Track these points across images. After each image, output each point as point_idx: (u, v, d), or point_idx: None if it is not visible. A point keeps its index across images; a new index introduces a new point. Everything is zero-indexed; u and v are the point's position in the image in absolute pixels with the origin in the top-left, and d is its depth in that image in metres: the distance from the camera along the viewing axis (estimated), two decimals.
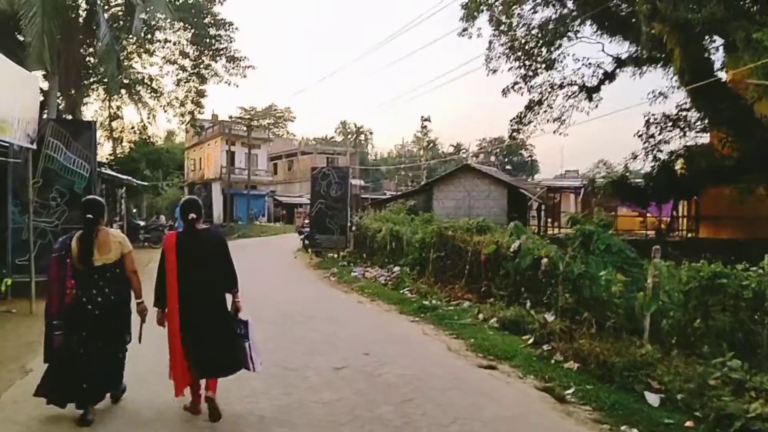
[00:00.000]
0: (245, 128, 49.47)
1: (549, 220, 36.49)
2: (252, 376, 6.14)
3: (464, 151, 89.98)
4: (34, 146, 10.17)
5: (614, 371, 6.67)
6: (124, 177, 24.16)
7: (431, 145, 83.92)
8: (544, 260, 10.71)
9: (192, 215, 5.18)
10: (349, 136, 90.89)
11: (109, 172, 22.30)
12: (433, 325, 9.96)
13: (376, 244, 19.99)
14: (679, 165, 24.49)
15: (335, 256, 22.09)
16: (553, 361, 7.50)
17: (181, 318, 5.04)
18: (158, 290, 5.18)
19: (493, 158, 66.98)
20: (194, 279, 5.08)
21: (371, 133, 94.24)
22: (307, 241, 25.58)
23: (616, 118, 45.04)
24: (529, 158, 77.98)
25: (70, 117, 21.50)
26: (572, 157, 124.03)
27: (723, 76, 20.48)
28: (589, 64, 27.47)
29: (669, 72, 24.80)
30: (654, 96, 26.25)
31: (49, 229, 11.52)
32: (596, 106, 28.82)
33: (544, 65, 27.65)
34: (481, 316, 10.40)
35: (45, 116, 16.44)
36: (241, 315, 5.33)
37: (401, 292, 13.51)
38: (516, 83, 28.60)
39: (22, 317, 9.79)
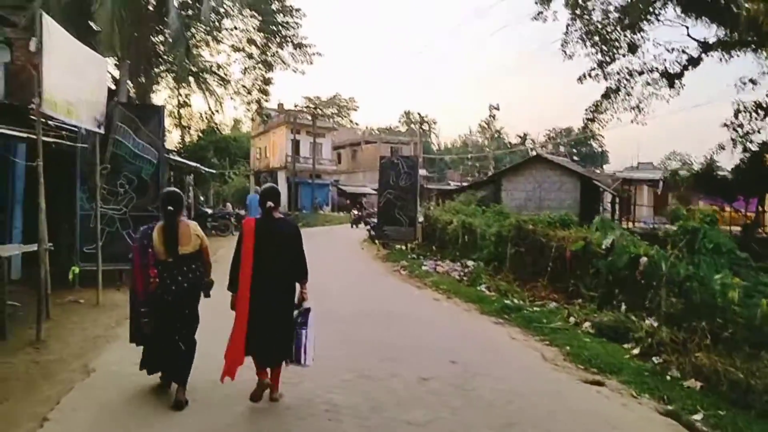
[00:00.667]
0: (310, 117, 49.28)
1: (623, 213, 34.78)
2: (329, 385, 5.71)
3: (531, 141, 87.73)
4: (102, 130, 9.79)
5: (752, 395, 5.65)
6: (193, 164, 23.98)
7: (497, 134, 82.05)
8: (644, 260, 9.64)
9: (270, 203, 5.26)
10: (413, 126, 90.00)
11: (177, 158, 22.14)
12: (519, 328, 9.05)
13: (447, 236, 19.15)
14: None
15: (403, 248, 21.36)
16: (668, 378, 6.51)
17: (251, 302, 5.07)
18: (233, 274, 5.25)
19: (562, 149, 64.66)
20: (268, 266, 5.12)
21: (435, 122, 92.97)
22: (373, 232, 25.00)
23: (691, 107, 42.48)
24: (600, 149, 75.20)
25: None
26: (644, 149, 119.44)
27: None
28: (672, 48, 25.74)
29: (762, 56, 23.02)
30: (743, 83, 24.52)
31: (117, 217, 11.21)
32: (677, 93, 27.04)
33: (622, 50, 26.21)
34: (572, 319, 9.44)
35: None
36: (305, 304, 5.38)
37: (478, 289, 12.65)
38: (593, 69, 27.29)
39: (89, 308, 9.45)
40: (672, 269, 8.88)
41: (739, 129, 23.99)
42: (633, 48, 25.66)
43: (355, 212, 39.65)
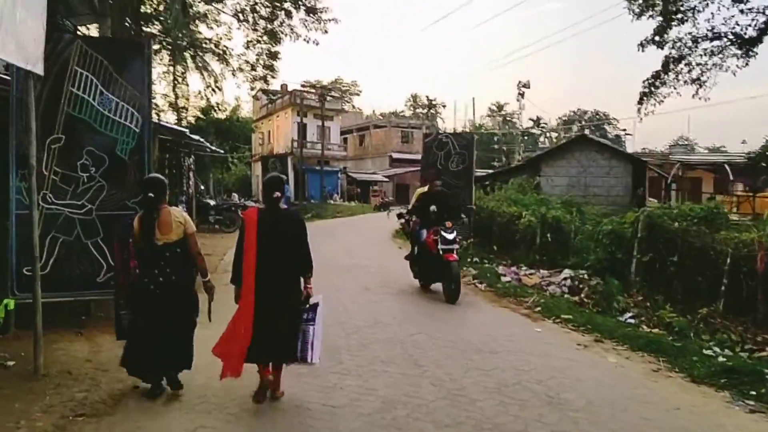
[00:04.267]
0: (317, 99, 44.90)
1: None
2: None
3: (544, 124, 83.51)
4: (40, 71, 5.57)
5: None
6: (195, 138, 19.17)
7: (509, 118, 77.73)
8: None
9: (276, 193, 5.05)
10: (421, 110, 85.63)
11: (173, 127, 17.43)
12: None
13: (516, 234, 14.99)
14: None
15: None
16: None
17: (255, 297, 4.87)
18: (236, 267, 5.05)
19: (587, 132, 60.42)
20: (272, 259, 4.93)
21: (444, 106, 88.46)
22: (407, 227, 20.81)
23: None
24: (623, 131, 70.94)
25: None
26: (652, 134, 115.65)
27: None
28: (748, 10, 21.53)
29: None
30: None
31: (78, 218, 7.05)
32: (746, 64, 22.90)
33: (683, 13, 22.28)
34: None
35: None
36: (312, 299, 5.15)
37: (619, 319, 8.59)
38: (657, 34, 23.26)
39: (21, 381, 5.33)
40: None
41: None
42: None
43: (381, 199, 39.10)
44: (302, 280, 5.16)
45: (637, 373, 6.26)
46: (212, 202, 23.80)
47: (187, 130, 18.59)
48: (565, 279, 11.61)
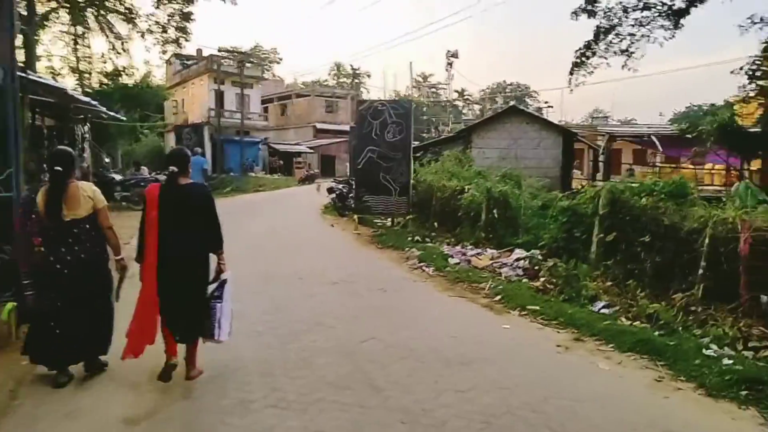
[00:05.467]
0: (235, 65, 42.23)
1: (607, 174, 30.71)
2: None
3: (469, 96, 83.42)
4: None
5: None
6: (86, 101, 16.51)
7: (434, 91, 76.96)
8: None
9: (174, 168, 4.85)
10: (345, 80, 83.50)
11: (55, 84, 14.85)
12: None
13: (461, 210, 13.89)
14: None
15: (388, 223, 16.05)
16: None
17: (159, 275, 4.72)
18: (140, 244, 4.87)
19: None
20: (176, 236, 4.74)
21: (369, 76, 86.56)
22: (340, 202, 19.41)
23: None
24: (545, 103, 71.43)
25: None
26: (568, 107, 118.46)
27: None
28: None
29: None
30: (754, 22, 20.53)
31: None
32: (672, 36, 22.81)
33: None
34: None
35: None
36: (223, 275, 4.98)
37: (591, 309, 7.60)
38: (588, 2, 22.81)
39: None
40: None
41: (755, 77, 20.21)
42: None
43: (305, 171, 38.31)
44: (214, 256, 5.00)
45: (640, 384, 5.19)
46: (118, 177, 21.47)
47: (78, 92, 16.23)
48: (518, 260, 10.60)
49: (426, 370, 5.30)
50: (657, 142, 27.26)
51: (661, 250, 8.54)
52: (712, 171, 31.83)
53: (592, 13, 23.08)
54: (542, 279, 9.22)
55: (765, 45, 20.12)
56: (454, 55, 43.95)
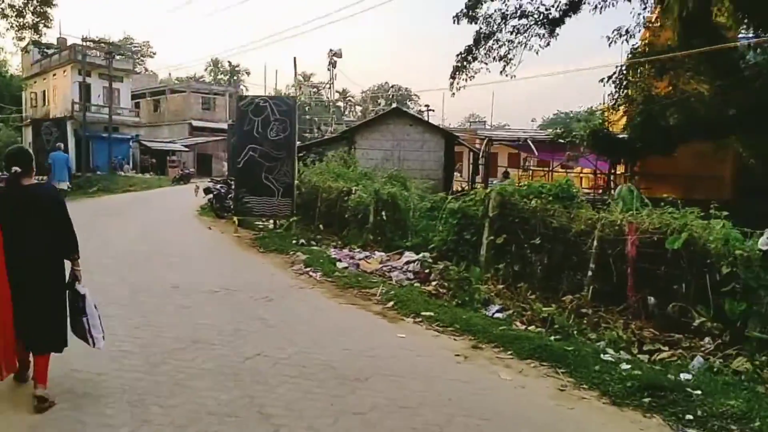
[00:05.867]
0: (103, 56, 39.28)
1: (486, 176, 31.59)
2: None
3: (351, 97, 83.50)
4: None
5: None
6: None
7: (316, 90, 76.20)
8: None
9: (16, 168, 4.44)
10: (223, 77, 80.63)
11: None
12: None
13: (347, 212, 13.47)
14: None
15: (270, 225, 15.32)
16: None
17: (9, 284, 4.29)
18: None
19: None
20: (21, 241, 4.35)
21: (248, 73, 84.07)
22: (218, 203, 18.35)
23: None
24: (426, 107, 72.68)
25: None
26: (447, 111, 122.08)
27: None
28: None
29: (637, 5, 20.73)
30: (621, 34, 22.02)
31: None
32: (547, 44, 23.92)
33: None
34: None
35: None
36: (79, 288, 4.68)
37: (485, 314, 7.41)
38: (469, 8, 23.34)
39: None
40: None
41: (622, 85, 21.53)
42: None
43: (180, 170, 36.08)
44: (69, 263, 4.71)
45: (544, 395, 4.96)
46: None
47: None
48: (408, 263, 10.32)
49: (320, 390, 4.77)
50: (533, 147, 28.34)
51: (551, 252, 8.57)
52: (581, 174, 33.69)
53: (473, 19, 23.57)
54: (434, 283, 8.97)
55: (630, 56, 21.41)
56: (337, 54, 43.55)
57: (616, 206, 8.90)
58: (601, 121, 22.91)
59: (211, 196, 18.73)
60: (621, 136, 22.49)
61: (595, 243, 7.77)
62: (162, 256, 11.17)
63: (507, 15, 23.29)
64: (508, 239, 9.16)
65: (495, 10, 23.40)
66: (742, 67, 17.08)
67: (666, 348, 6.00)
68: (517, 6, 22.91)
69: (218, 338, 6.04)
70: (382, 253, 11.40)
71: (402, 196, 12.51)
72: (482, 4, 23.19)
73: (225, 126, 50.86)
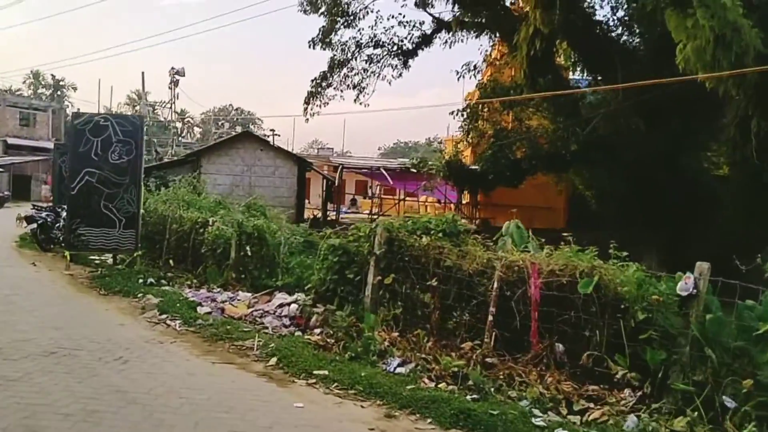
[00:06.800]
0: None
1: (335, 202, 31.07)
2: None
3: (191, 118, 79.62)
4: None
5: None
6: None
7: (152, 109, 71.55)
8: None
9: None
10: (45, 91, 73.10)
11: None
12: None
13: (203, 246, 12.02)
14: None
15: (109, 260, 13.37)
16: None
17: None
18: None
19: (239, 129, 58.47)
20: None
21: (75, 89, 76.98)
22: (42, 234, 15.82)
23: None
24: (272, 131, 70.84)
25: None
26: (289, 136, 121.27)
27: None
28: (407, 22, 22.71)
29: (484, 41, 21.58)
30: (470, 69, 23.01)
31: None
32: (400, 74, 24.36)
33: (347, 18, 22.74)
34: None
35: None
36: None
37: (387, 370, 6.55)
38: (324, 34, 23.11)
39: None
40: None
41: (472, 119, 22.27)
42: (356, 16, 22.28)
43: None
44: None
45: None
46: None
47: None
48: (281, 306, 9.22)
49: None
50: (386, 175, 28.32)
51: (444, 293, 7.93)
52: (426, 203, 34.41)
53: (327, 45, 23.23)
54: (317, 331, 7.98)
55: (482, 91, 22.05)
56: (180, 72, 40.91)
57: (504, 244, 8.54)
58: (455, 152, 23.42)
59: (34, 225, 16.11)
60: (473, 167, 23.05)
61: (495, 285, 7.25)
62: None
63: (361, 44, 23.29)
64: (396, 279, 8.42)
65: (350, 38, 23.32)
66: (580, 106, 18.20)
67: (592, 405, 5.52)
68: (371, 36, 22.99)
69: (64, 426, 4.58)
70: (248, 294, 10.18)
71: (270, 229, 11.34)
72: (336, 32, 23.02)
73: (48, 145, 45.85)
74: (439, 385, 6.07)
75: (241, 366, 6.57)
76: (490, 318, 7.24)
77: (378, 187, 39.72)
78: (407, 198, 34.07)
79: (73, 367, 6.08)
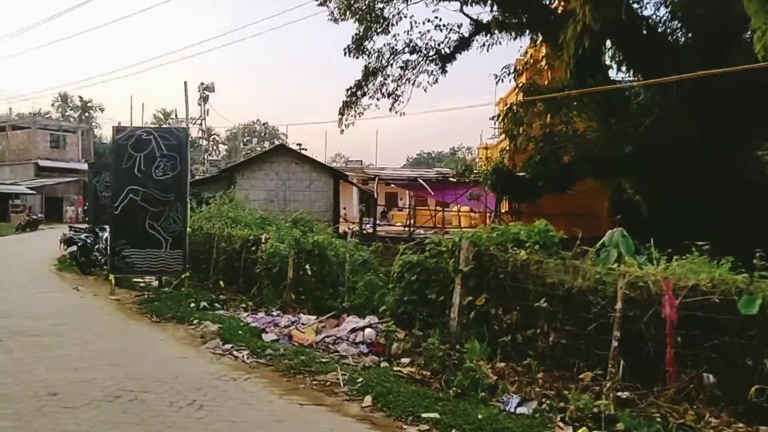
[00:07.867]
0: None
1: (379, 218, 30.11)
2: None
3: (216, 135, 79.34)
4: None
5: None
6: None
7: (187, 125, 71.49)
8: None
9: None
10: (73, 113, 73.52)
11: None
12: None
13: (257, 266, 11.14)
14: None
15: (154, 283, 12.60)
16: None
17: None
18: None
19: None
20: None
21: (102, 110, 77.37)
22: (83, 257, 15.09)
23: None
24: (299, 146, 70.31)
25: None
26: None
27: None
28: (444, 26, 21.79)
29: (524, 42, 20.59)
30: (509, 72, 21.94)
31: None
32: (436, 81, 23.51)
33: (381, 24, 21.94)
34: None
35: None
36: None
37: (506, 410, 5.54)
38: (358, 41, 22.36)
39: None
40: None
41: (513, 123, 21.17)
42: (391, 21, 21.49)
43: (26, 216, 31.73)
44: None
45: None
46: None
47: None
48: (355, 331, 8.26)
49: None
50: (426, 186, 27.35)
51: (551, 315, 6.90)
52: (459, 213, 33.27)
53: (362, 52, 22.50)
54: (406, 361, 7.00)
55: (525, 94, 20.96)
56: (209, 88, 40.41)
57: (607, 255, 7.48)
58: (501, 159, 22.40)
59: (74, 248, 15.39)
60: (520, 173, 21.98)
61: (619, 305, 6.21)
62: (20, 335, 8.18)
63: (396, 50, 22.51)
64: (488, 299, 7.42)
65: (384, 44, 22.59)
66: (631, 106, 17.12)
67: None
68: (407, 41, 22.17)
69: None
70: (311, 317, 9.25)
71: (332, 245, 10.42)
72: (370, 39, 22.31)
73: (78, 166, 45.74)
74: (579, 431, 5.03)
75: (334, 408, 5.58)
76: (615, 344, 6.20)
77: (411, 198, 38.75)
78: (443, 209, 33.05)
79: (144, 416, 5.14)
